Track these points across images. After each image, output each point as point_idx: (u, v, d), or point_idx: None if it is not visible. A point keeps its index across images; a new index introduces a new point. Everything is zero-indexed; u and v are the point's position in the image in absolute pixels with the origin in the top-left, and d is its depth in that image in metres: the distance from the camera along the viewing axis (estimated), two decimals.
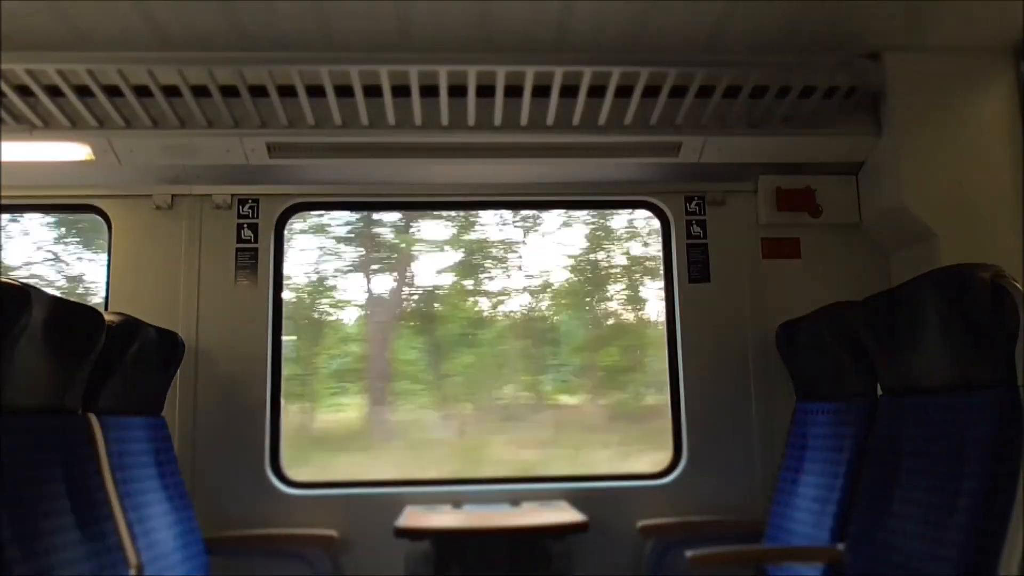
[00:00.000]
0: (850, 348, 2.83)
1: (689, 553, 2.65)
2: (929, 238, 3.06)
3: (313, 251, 3.81)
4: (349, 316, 3.99)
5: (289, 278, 3.59)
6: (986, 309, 2.08)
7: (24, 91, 2.88)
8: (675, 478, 3.37)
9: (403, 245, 4.01)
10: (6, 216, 3.62)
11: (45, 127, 3.02)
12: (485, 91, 2.99)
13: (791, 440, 3.22)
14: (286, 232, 3.54)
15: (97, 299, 3.52)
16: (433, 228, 3.93)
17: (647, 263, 3.87)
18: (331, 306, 3.94)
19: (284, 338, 3.48)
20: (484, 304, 3.98)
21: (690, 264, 3.51)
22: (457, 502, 3.28)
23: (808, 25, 2.90)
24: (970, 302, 2.13)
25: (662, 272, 3.60)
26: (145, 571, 2.43)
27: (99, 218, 3.44)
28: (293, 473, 3.36)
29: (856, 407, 2.79)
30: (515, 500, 3.29)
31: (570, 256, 3.98)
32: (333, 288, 3.91)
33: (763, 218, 3.48)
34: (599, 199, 3.71)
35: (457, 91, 2.98)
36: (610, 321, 4.04)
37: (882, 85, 3.12)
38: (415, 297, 3.96)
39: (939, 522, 2.12)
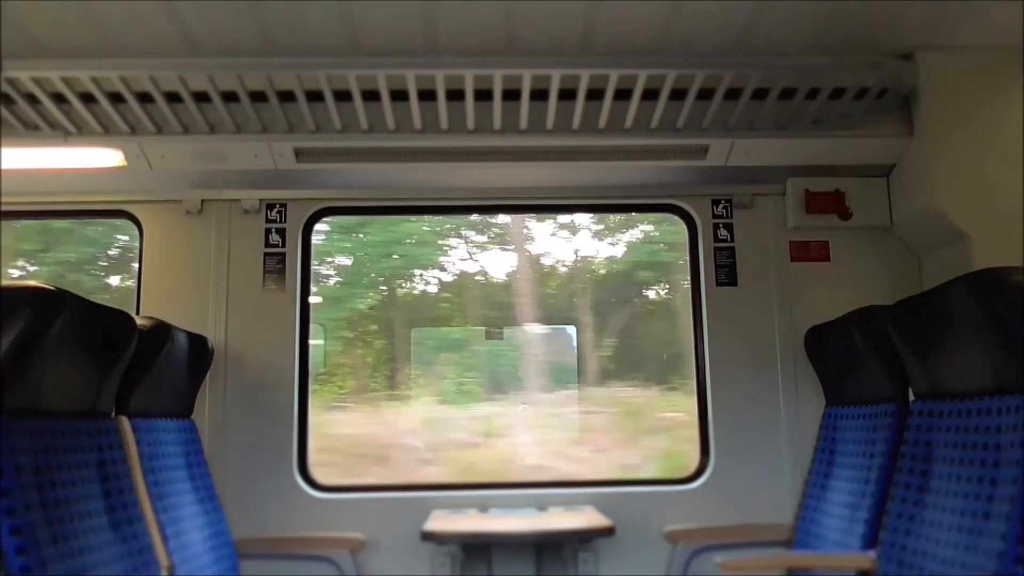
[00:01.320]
0: (881, 352, 2.79)
1: (718, 560, 2.63)
2: (962, 240, 3.01)
3: None
4: None
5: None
6: (1021, 312, 2.05)
7: (59, 98, 2.93)
8: (703, 483, 3.34)
9: None
10: None
11: (79, 133, 3.07)
12: (511, 95, 3.00)
13: (820, 445, 3.19)
14: (313, 236, 3.57)
15: None
16: None
17: None
18: None
19: (311, 342, 3.50)
20: None
21: (717, 268, 3.49)
22: (483, 506, 3.28)
23: (838, 25, 2.86)
24: (1005, 305, 2.10)
25: (689, 276, 3.58)
26: (176, 572, 2.46)
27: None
28: None
29: (887, 412, 2.75)
30: (541, 505, 3.28)
31: None
32: None
33: (792, 221, 3.44)
34: (625, 203, 3.71)
35: (483, 95, 2.99)
36: None
37: (914, 85, 3.07)
38: None
39: (974, 529, 2.08)
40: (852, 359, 2.97)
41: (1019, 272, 2.10)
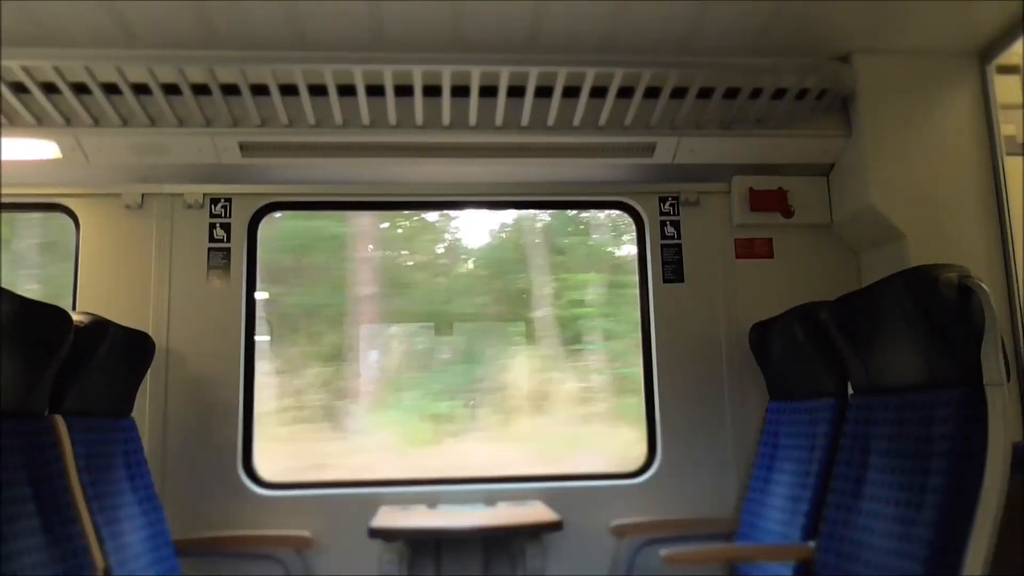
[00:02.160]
0: (821, 347, 2.86)
1: (663, 552, 2.67)
2: (898, 239, 3.09)
3: None
4: None
5: None
6: (953, 309, 2.11)
7: None
8: (649, 477, 3.38)
9: None
10: None
11: (10, 125, 2.97)
12: (460, 91, 2.99)
13: (763, 439, 3.25)
14: (259, 231, 3.51)
15: None
16: None
17: None
18: None
19: (257, 338, 3.45)
20: None
21: (664, 265, 3.53)
22: (432, 502, 3.27)
23: (780, 28, 2.92)
24: (937, 302, 2.16)
25: (636, 273, 3.61)
26: (113, 573, 2.40)
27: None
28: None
29: (827, 406, 2.82)
30: (490, 500, 3.29)
31: None
32: None
33: (736, 219, 3.50)
34: (573, 199, 3.72)
35: (432, 91, 2.97)
36: None
37: (852, 87, 3.15)
38: None
39: (907, 519, 2.15)
40: (794, 354, 3.04)
41: (951, 269, 2.17)
